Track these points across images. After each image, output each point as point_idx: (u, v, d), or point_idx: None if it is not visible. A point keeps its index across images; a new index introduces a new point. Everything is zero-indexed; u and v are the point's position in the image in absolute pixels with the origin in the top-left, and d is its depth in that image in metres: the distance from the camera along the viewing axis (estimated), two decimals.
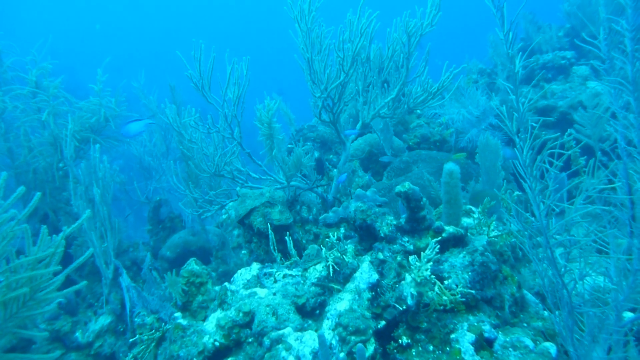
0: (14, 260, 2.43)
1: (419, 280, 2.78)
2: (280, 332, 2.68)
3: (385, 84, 4.27)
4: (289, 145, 6.75)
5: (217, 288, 4.26)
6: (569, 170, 4.40)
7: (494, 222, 3.40)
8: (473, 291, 2.82)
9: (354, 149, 6.31)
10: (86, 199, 5.07)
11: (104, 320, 4.82)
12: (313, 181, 4.26)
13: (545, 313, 3.07)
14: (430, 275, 2.79)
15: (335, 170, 6.22)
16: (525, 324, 2.98)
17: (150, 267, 5.18)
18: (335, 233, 3.73)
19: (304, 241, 3.90)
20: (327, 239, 3.21)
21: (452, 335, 2.70)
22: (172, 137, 7.22)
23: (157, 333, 3.18)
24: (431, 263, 2.81)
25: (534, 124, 2.34)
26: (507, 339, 2.66)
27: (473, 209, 3.76)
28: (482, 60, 8.88)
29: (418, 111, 7.19)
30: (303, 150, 6.56)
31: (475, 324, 2.73)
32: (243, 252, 5.73)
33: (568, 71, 7.66)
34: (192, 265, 3.44)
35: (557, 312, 2.46)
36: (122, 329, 4.77)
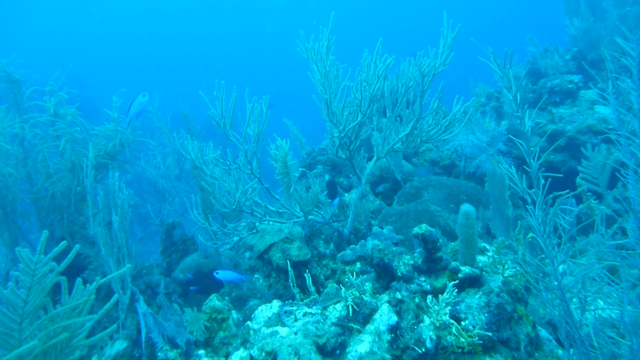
0: (52, 309, 2.54)
1: (437, 325, 2.88)
2: None
3: (398, 118, 4.38)
4: (301, 168, 6.84)
5: (234, 314, 4.36)
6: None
7: (509, 262, 3.49)
8: (490, 333, 2.90)
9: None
10: (104, 225, 5.17)
11: (120, 345, 4.90)
12: (330, 216, 4.36)
13: (560, 352, 3.16)
14: (449, 320, 2.88)
15: (346, 195, 6.33)
16: None
17: (165, 291, 5.28)
18: (353, 269, 3.84)
19: (321, 277, 4.00)
20: (346, 279, 3.32)
21: None
22: (186, 160, 7.35)
23: None
24: (450, 307, 2.91)
25: (543, 180, 2.43)
26: None
27: (487, 247, 3.85)
28: (487, 82, 8.99)
29: None
30: (314, 173, 6.67)
31: None
32: (256, 275, 5.83)
33: (575, 95, 7.76)
34: (214, 301, 3.54)
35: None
36: (137, 354, 4.84)
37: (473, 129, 6.38)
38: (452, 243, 4.43)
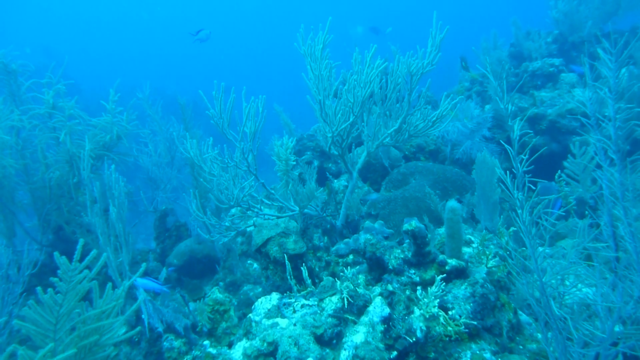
0: (84, 312, 2.75)
1: (427, 316, 3.11)
2: None
3: (388, 112, 4.56)
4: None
5: (233, 301, 4.56)
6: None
7: (491, 247, 3.73)
8: (475, 322, 3.16)
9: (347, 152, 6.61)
10: (101, 215, 5.32)
11: (119, 330, 5.07)
12: (324, 209, 4.56)
13: (539, 335, 3.42)
14: (438, 312, 3.12)
15: (335, 181, 6.52)
16: (521, 347, 3.33)
17: (166, 277, 5.46)
18: (346, 261, 4.07)
19: (316, 269, 4.21)
20: (340, 272, 3.54)
21: None
22: (177, 148, 7.48)
23: (188, 357, 3.49)
24: (438, 300, 3.14)
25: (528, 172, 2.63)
26: None
27: (472, 238, 4.08)
28: (472, 65, 9.15)
29: None
30: (303, 159, 6.84)
31: (478, 352, 3.07)
32: (249, 261, 6.03)
33: (556, 78, 7.97)
34: (216, 294, 3.75)
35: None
36: (137, 339, 5.03)
37: (458, 116, 6.57)
38: (439, 229, 4.67)
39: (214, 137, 5.07)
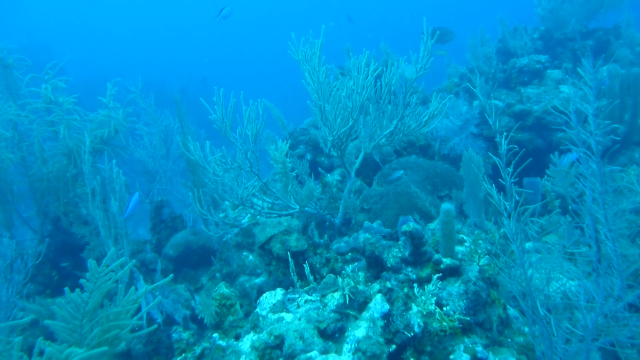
0: (108, 308, 2.96)
1: (424, 313, 3.34)
2: (308, 354, 3.22)
3: (382, 113, 4.76)
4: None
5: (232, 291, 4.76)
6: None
7: (483, 250, 3.97)
8: (468, 317, 3.39)
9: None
10: (102, 208, 5.46)
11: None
12: (324, 208, 4.77)
13: (525, 329, 3.67)
14: (434, 309, 3.35)
15: (328, 175, 6.71)
16: (509, 340, 3.58)
17: (157, 267, 5.64)
18: (345, 258, 4.29)
19: (317, 265, 4.42)
20: (340, 269, 3.75)
21: (451, 356, 3.28)
22: (172, 140, 7.62)
23: (197, 347, 3.70)
24: (435, 297, 3.37)
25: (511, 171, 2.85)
26: (496, 359, 3.26)
27: (465, 237, 4.31)
28: (460, 61, 9.37)
29: None
30: (296, 153, 7.01)
31: (470, 345, 3.31)
32: (244, 253, 6.22)
33: (542, 75, 8.20)
34: (222, 288, 3.95)
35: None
36: (137, 329, 5.21)
37: (447, 113, 6.77)
38: (430, 224, 4.90)
39: (206, 130, 5.22)
